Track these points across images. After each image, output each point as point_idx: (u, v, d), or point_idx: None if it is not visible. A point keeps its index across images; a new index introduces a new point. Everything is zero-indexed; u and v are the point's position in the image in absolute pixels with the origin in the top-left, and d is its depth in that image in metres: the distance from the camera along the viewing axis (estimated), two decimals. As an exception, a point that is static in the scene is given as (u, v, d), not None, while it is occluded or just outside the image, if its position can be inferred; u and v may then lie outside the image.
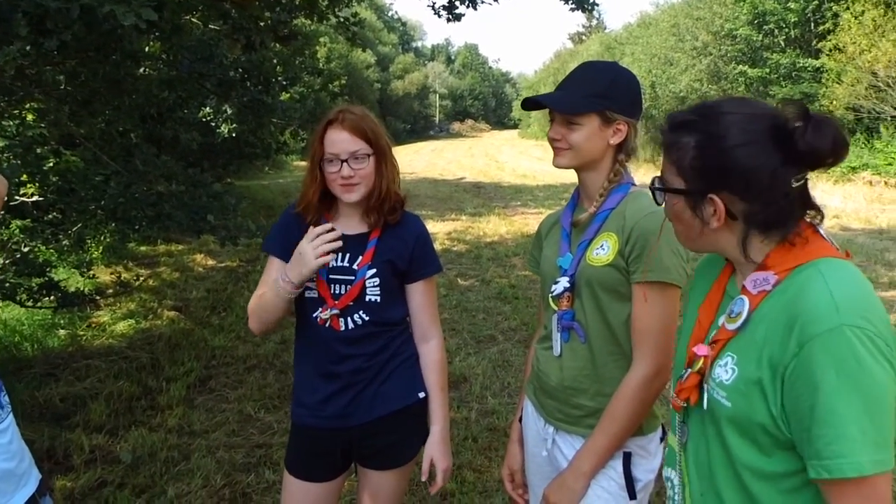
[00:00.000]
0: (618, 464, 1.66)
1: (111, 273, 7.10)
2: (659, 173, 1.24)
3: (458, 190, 17.08)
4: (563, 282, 1.70)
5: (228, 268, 8.28)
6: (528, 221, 11.37)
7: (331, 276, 1.91)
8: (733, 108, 1.15)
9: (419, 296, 2.00)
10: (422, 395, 2.00)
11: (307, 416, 1.98)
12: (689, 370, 1.22)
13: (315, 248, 1.80)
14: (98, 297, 5.75)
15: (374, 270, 1.91)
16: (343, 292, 1.90)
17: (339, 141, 1.83)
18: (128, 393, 4.43)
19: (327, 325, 1.90)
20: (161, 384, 4.59)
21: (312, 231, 1.84)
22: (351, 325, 1.91)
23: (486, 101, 78.34)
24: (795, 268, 1.10)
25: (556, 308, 1.72)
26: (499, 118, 74.62)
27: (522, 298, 6.73)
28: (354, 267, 1.91)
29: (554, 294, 1.72)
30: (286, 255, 1.90)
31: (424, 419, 2.03)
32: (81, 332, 5.59)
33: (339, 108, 1.89)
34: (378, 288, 1.91)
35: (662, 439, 1.74)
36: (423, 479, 1.98)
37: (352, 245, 1.93)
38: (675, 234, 1.29)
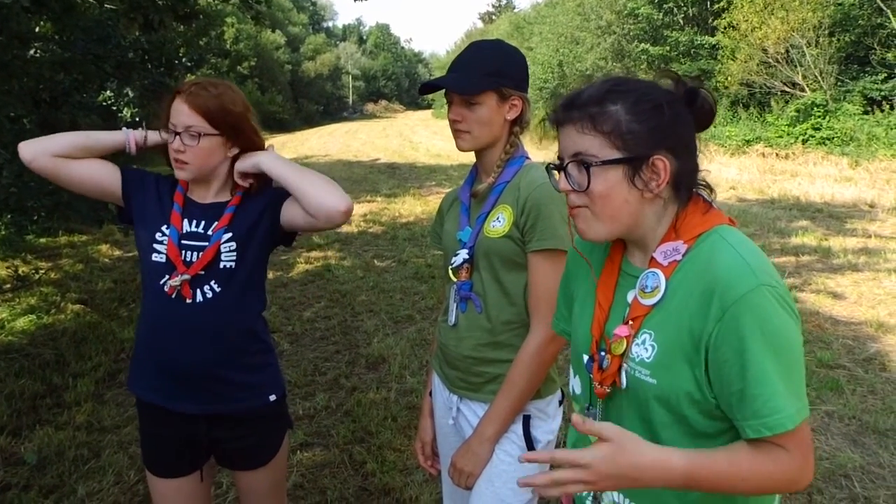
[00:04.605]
0: (518, 427, 1.73)
1: (7, 267, 6.74)
2: (565, 155, 1.15)
3: (372, 171, 16.98)
4: (463, 254, 1.75)
5: (136, 258, 7.96)
6: (444, 201, 11.39)
7: (183, 242, 1.79)
8: (635, 77, 1.17)
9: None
10: (272, 397, 1.91)
11: (148, 389, 1.85)
12: (607, 354, 1.18)
13: None
14: (-7, 293, 5.46)
15: (230, 234, 1.80)
16: (195, 259, 1.77)
17: (178, 113, 1.74)
18: (31, 391, 4.24)
19: (175, 295, 1.76)
20: (67, 380, 4.42)
21: None
22: (200, 298, 1.77)
23: (400, 82, 77.99)
24: (699, 235, 1.13)
25: (454, 279, 1.78)
26: (412, 98, 74.30)
27: (439, 277, 6.77)
28: (209, 232, 1.80)
29: (454, 266, 1.78)
30: (137, 192, 1.85)
31: (283, 416, 2.00)
32: (-24, 331, 5.30)
33: (195, 79, 1.80)
34: (234, 254, 1.80)
35: (561, 402, 1.83)
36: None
37: (207, 213, 1.83)
38: (595, 220, 1.15)
